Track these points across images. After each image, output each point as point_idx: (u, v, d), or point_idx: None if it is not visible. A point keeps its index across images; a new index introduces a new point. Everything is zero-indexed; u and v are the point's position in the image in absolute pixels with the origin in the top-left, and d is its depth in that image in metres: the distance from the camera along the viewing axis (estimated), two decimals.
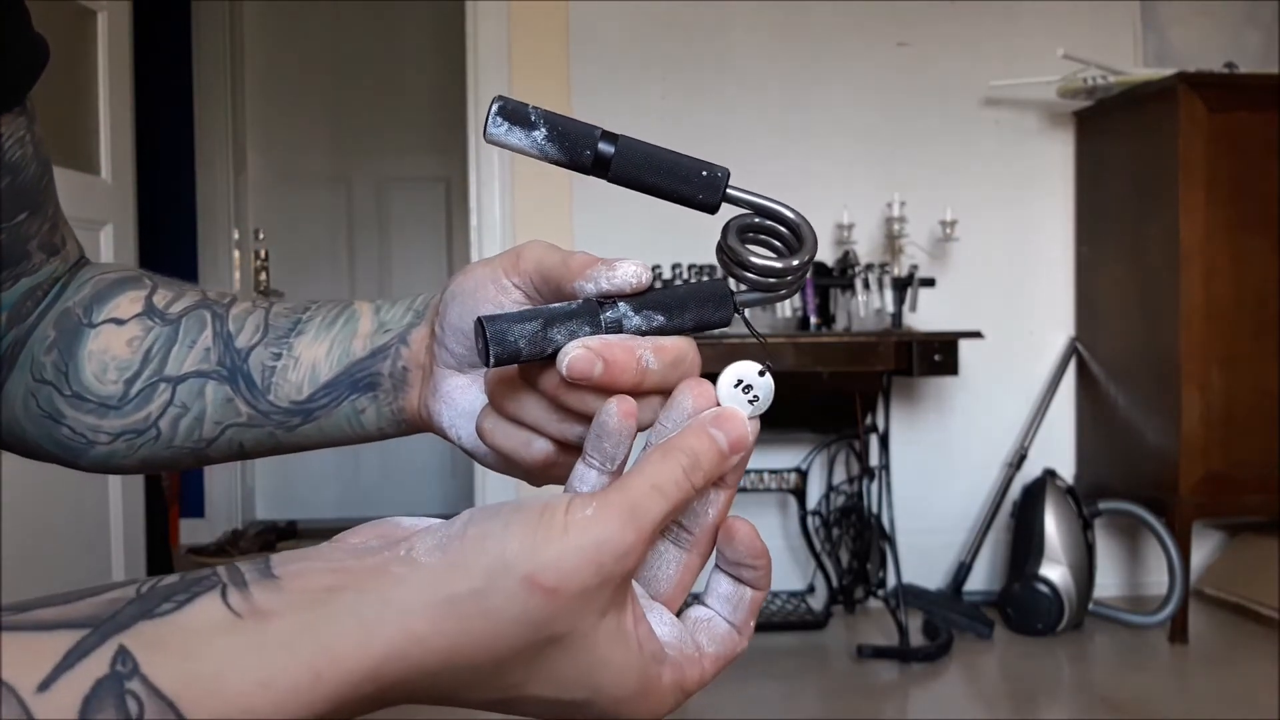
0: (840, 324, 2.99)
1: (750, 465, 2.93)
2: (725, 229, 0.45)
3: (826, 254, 3.07)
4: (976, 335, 2.81)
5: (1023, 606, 2.87)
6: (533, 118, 0.42)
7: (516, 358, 0.41)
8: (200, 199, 4.17)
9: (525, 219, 3.07)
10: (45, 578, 2.47)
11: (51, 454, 0.56)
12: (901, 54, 3.18)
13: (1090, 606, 2.92)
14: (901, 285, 2.90)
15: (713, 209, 0.44)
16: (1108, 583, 3.18)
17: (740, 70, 3.14)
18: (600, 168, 0.43)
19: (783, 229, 0.45)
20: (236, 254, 4.25)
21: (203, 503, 4.18)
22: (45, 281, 0.57)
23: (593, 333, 0.41)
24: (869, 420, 2.95)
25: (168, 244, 4.05)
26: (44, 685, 0.28)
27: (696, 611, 0.42)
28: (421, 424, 0.53)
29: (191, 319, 0.54)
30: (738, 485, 0.42)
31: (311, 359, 0.53)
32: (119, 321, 0.54)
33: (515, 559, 0.34)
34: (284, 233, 4.46)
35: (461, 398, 0.50)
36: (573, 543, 0.35)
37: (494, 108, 0.42)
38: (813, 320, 2.94)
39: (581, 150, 0.43)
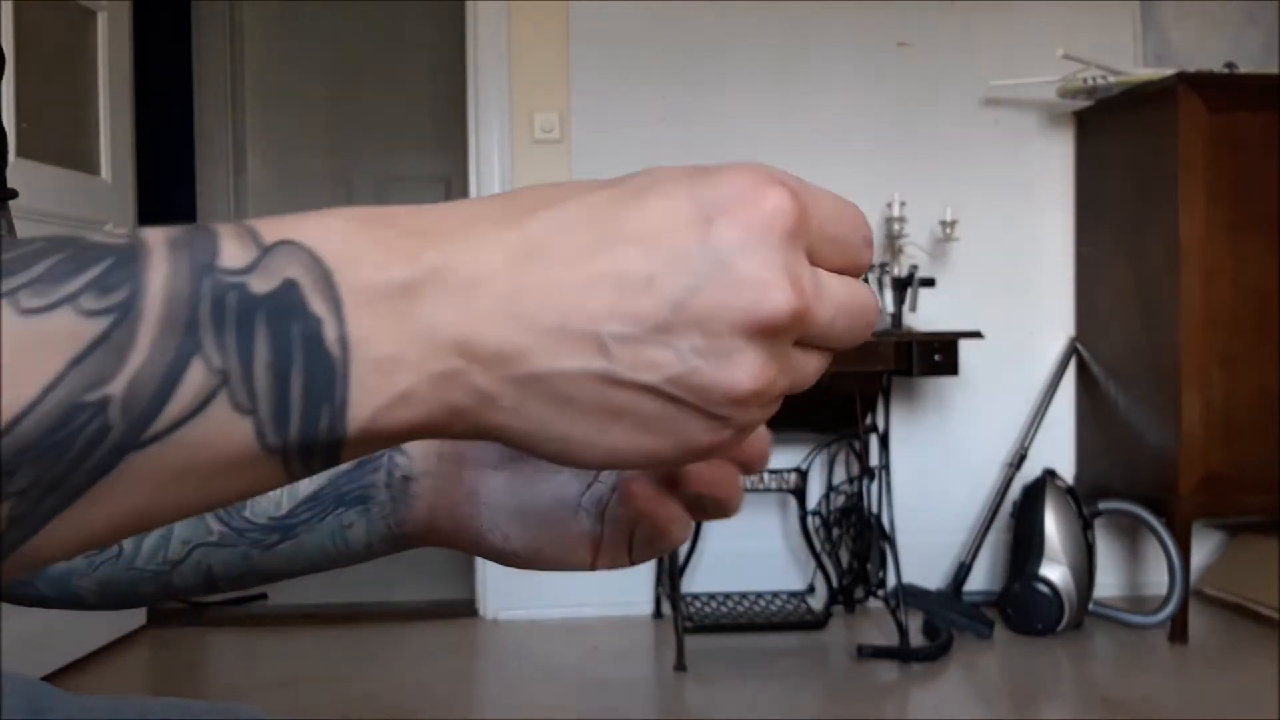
0: None
1: None
2: None
3: None
4: (976, 335, 2.81)
5: (1023, 606, 2.87)
6: None
7: None
8: (200, 199, 4.17)
9: None
10: None
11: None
12: (901, 54, 3.18)
13: (1090, 606, 2.92)
14: (901, 285, 2.90)
15: None
16: (1108, 583, 3.18)
17: (740, 70, 3.14)
18: None
19: None
20: None
21: None
22: None
23: None
24: (869, 420, 2.95)
25: None
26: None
27: None
28: (430, 536, 0.49)
29: None
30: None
31: None
32: None
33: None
34: None
35: (501, 496, 0.47)
36: None
37: None
38: None
39: None
